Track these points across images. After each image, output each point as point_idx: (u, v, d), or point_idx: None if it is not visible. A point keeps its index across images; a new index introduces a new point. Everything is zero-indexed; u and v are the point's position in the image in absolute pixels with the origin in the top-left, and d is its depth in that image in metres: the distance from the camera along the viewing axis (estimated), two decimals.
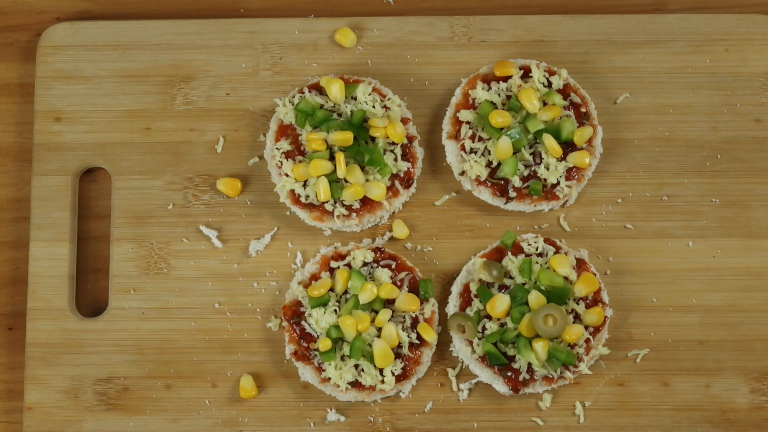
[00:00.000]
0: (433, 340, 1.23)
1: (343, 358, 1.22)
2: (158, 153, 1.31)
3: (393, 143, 1.26)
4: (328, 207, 1.25)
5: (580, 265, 1.24)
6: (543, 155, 1.25)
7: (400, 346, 1.22)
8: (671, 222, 1.29)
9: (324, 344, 1.21)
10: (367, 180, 1.25)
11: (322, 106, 1.27)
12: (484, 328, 1.23)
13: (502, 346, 1.22)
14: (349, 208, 1.25)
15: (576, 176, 1.26)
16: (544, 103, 1.26)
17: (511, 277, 1.24)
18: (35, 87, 1.32)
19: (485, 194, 1.26)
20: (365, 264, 1.25)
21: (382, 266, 1.25)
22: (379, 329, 1.23)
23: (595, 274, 1.24)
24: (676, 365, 1.26)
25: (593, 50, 1.32)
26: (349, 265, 1.25)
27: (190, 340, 1.27)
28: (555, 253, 1.24)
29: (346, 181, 1.25)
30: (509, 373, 1.22)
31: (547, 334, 1.20)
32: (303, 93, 1.28)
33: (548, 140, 1.24)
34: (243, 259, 1.29)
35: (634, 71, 1.31)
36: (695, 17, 1.32)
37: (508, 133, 1.24)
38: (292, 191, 1.26)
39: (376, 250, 1.26)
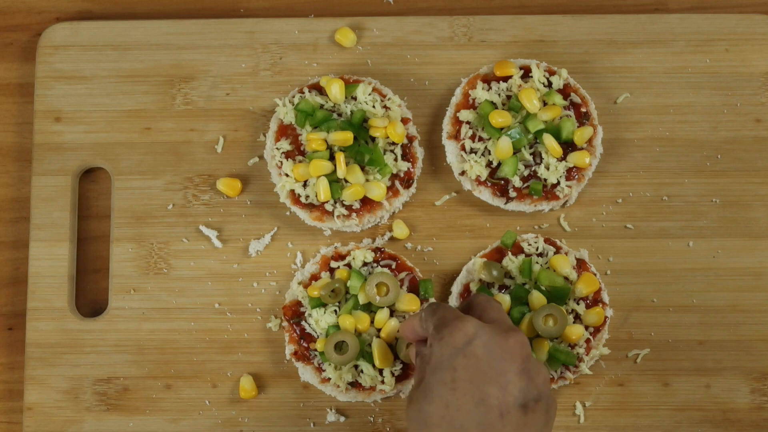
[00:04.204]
0: None
1: None
2: (158, 153, 1.31)
3: (393, 143, 1.26)
4: (328, 207, 1.25)
5: (580, 265, 1.24)
6: (543, 155, 1.25)
7: None
8: (671, 222, 1.29)
9: (324, 344, 1.21)
10: (367, 180, 1.25)
11: (322, 106, 1.27)
12: None
13: None
14: (349, 208, 1.25)
15: (576, 176, 1.26)
16: (544, 103, 1.26)
17: (511, 277, 1.24)
18: (35, 87, 1.32)
19: (485, 194, 1.26)
20: (365, 264, 1.25)
21: (382, 266, 1.25)
22: (379, 330, 1.23)
23: (595, 274, 1.24)
24: (676, 365, 1.26)
25: (593, 50, 1.32)
26: (349, 265, 1.25)
27: (190, 340, 1.27)
28: (555, 253, 1.24)
29: (346, 181, 1.25)
30: None
31: (548, 334, 1.20)
32: (303, 93, 1.28)
33: (548, 140, 1.24)
34: (243, 259, 1.29)
35: (634, 71, 1.31)
36: (695, 17, 1.32)
37: (508, 133, 1.24)
38: (292, 191, 1.26)
39: (376, 250, 1.26)
